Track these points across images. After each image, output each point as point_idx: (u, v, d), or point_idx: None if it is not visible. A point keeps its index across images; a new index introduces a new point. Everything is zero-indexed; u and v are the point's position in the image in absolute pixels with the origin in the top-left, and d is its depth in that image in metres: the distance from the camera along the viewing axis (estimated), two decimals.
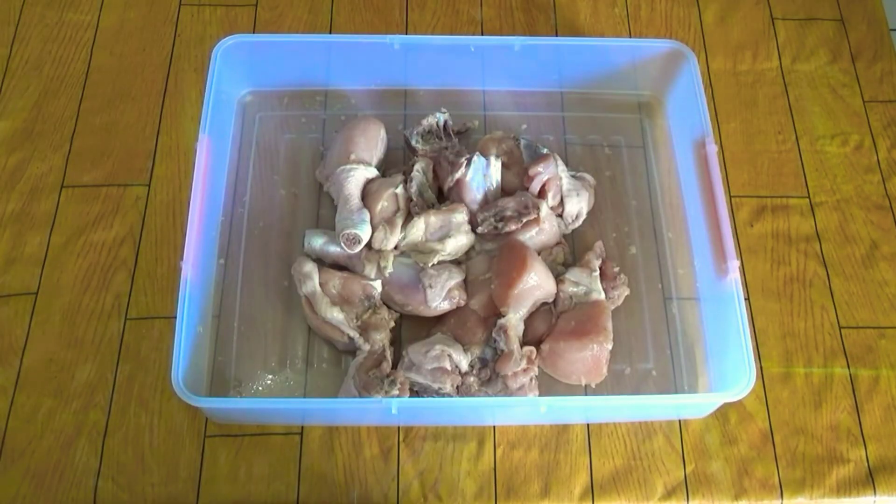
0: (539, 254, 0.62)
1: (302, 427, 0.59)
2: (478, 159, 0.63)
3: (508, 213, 0.62)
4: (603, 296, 0.61)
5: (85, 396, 0.59)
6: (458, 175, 0.62)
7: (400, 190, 0.62)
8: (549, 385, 0.60)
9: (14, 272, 0.63)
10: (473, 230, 0.63)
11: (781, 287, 0.65)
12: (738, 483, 0.58)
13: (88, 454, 0.57)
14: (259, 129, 0.69)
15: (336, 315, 0.59)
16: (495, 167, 0.63)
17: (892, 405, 0.61)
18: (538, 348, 0.59)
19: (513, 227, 0.61)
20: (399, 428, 0.59)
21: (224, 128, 0.67)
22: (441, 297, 0.59)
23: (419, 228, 0.61)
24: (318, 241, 0.62)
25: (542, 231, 0.62)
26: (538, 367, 0.59)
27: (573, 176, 0.65)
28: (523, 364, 0.57)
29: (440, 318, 0.61)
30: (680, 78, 0.67)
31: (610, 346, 0.59)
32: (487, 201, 0.64)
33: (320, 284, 0.60)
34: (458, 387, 0.58)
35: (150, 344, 0.61)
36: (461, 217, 0.62)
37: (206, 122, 0.61)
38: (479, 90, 0.71)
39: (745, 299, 0.63)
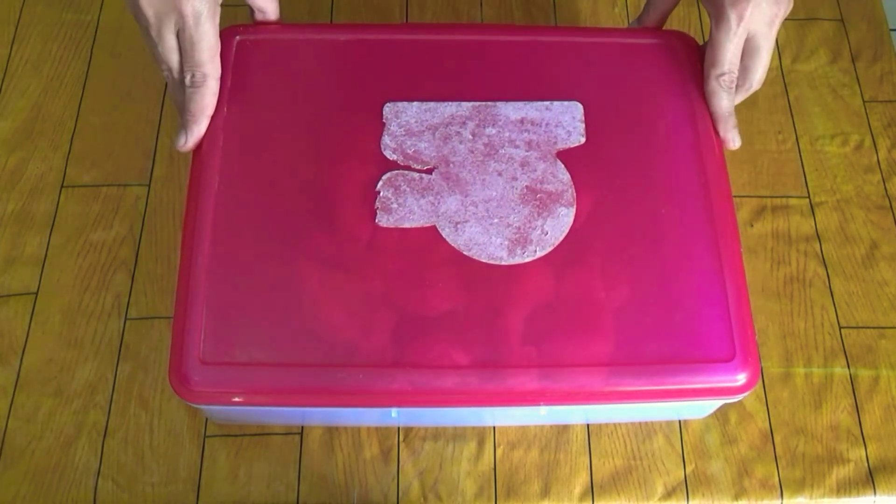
0: None
1: (302, 427, 0.59)
2: None
3: None
4: None
5: (85, 396, 0.59)
6: None
7: None
8: None
9: (14, 272, 0.63)
10: None
11: (781, 287, 0.65)
12: (738, 483, 0.58)
13: (88, 454, 0.58)
14: None
15: None
16: None
17: (892, 405, 0.61)
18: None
19: None
20: (399, 428, 0.59)
21: None
22: None
23: None
24: None
25: None
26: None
27: None
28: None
29: None
30: None
31: None
32: None
33: None
34: None
35: (150, 344, 0.61)
36: None
37: None
38: None
39: None
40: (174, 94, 0.55)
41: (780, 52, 0.74)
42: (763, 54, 0.56)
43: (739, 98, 0.58)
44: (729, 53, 0.55)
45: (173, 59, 0.53)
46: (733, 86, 0.56)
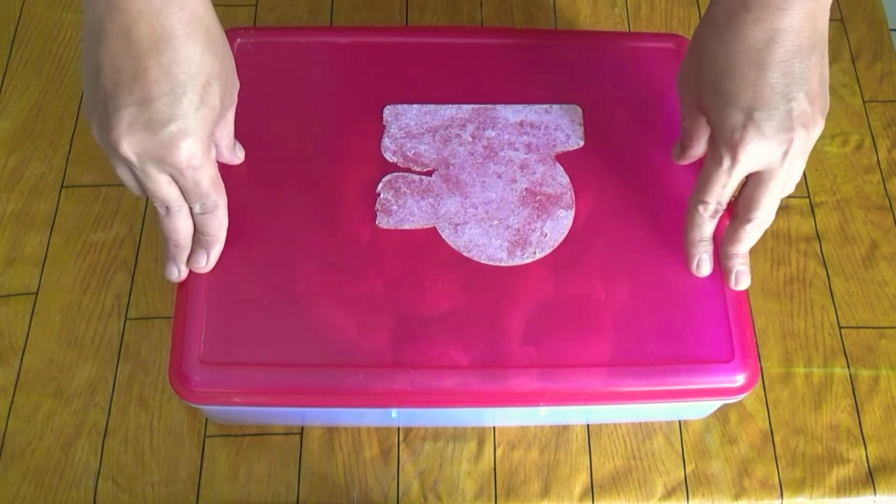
0: None
1: (302, 427, 0.59)
2: None
3: None
4: None
5: (85, 396, 0.59)
6: None
7: None
8: None
9: (14, 272, 0.63)
10: None
11: (781, 287, 0.65)
12: (738, 483, 0.58)
13: (88, 454, 0.58)
14: None
15: None
16: None
17: (892, 405, 0.61)
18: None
19: None
20: (399, 428, 0.59)
21: None
22: None
23: None
24: None
25: None
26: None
27: None
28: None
29: None
30: None
31: None
32: None
33: None
34: None
35: (150, 344, 0.61)
36: None
37: None
38: None
39: None
40: (169, 222, 0.49)
41: None
42: (770, 188, 0.46)
43: (740, 233, 0.48)
44: (716, 189, 0.47)
45: (170, 193, 0.47)
46: (716, 217, 0.48)
